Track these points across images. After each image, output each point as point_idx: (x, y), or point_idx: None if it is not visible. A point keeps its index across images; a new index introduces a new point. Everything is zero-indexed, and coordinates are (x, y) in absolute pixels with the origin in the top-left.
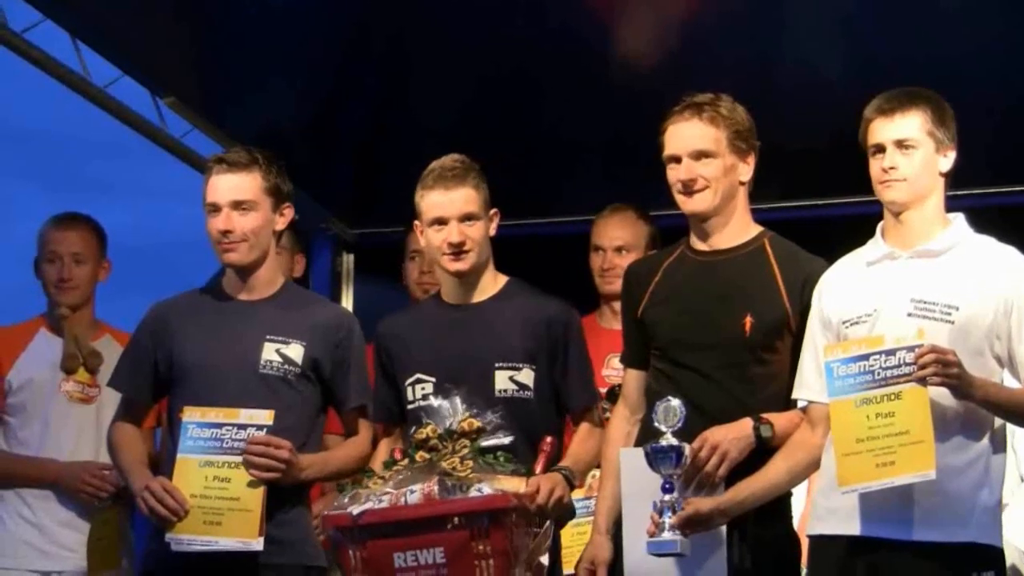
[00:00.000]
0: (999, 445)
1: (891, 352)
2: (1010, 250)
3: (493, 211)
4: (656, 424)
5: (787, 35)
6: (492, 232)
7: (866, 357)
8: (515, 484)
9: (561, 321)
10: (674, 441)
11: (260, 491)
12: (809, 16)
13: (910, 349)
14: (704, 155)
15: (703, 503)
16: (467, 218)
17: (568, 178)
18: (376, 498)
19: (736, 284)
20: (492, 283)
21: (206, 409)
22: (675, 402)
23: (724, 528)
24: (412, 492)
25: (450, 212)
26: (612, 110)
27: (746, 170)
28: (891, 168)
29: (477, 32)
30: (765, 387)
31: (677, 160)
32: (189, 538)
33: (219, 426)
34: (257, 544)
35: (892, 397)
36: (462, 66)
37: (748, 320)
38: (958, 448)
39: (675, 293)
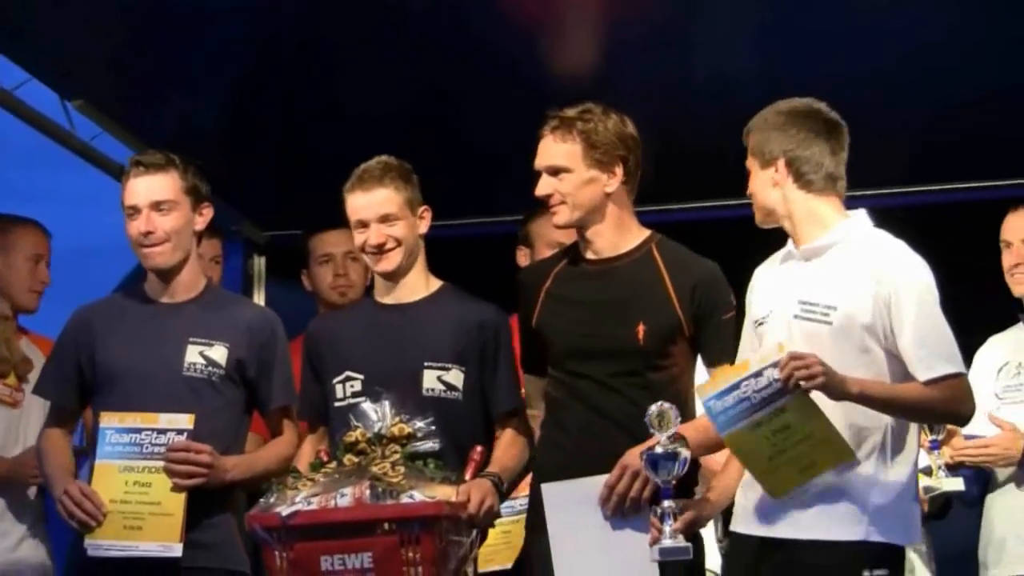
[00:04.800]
0: (898, 443)
1: (758, 374)
2: (894, 244)
3: (423, 209)
4: (652, 431)
5: (703, 47)
6: (422, 230)
7: (737, 386)
8: (446, 492)
9: (493, 325)
10: (672, 446)
11: (181, 496)
12: (724, 29)
13: (774, 365)
14: (559, 171)
15: (697, 506)
16: (386, 219)
17: (489, 181)
18: (305, 500)
19: (626, 292)
20: (424, 285)
21: (124, 414)
22: (667, 405)
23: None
24: (343, 495)
25: (367, 215)
26: (534, 118)
27: (613, 182)
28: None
29: (394, 36)
30: (663, 391)
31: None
32: (108, 543)
33: (138, 431)
34: (177, 549)
35: (778, 412)
36: (377, 68)
37: (641, 328)
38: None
39: (566, 302)
